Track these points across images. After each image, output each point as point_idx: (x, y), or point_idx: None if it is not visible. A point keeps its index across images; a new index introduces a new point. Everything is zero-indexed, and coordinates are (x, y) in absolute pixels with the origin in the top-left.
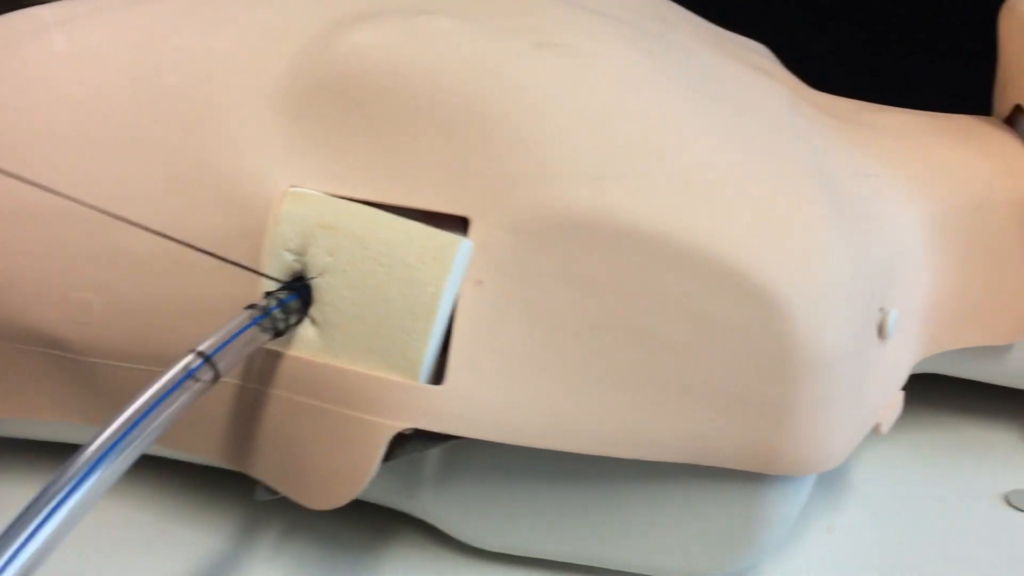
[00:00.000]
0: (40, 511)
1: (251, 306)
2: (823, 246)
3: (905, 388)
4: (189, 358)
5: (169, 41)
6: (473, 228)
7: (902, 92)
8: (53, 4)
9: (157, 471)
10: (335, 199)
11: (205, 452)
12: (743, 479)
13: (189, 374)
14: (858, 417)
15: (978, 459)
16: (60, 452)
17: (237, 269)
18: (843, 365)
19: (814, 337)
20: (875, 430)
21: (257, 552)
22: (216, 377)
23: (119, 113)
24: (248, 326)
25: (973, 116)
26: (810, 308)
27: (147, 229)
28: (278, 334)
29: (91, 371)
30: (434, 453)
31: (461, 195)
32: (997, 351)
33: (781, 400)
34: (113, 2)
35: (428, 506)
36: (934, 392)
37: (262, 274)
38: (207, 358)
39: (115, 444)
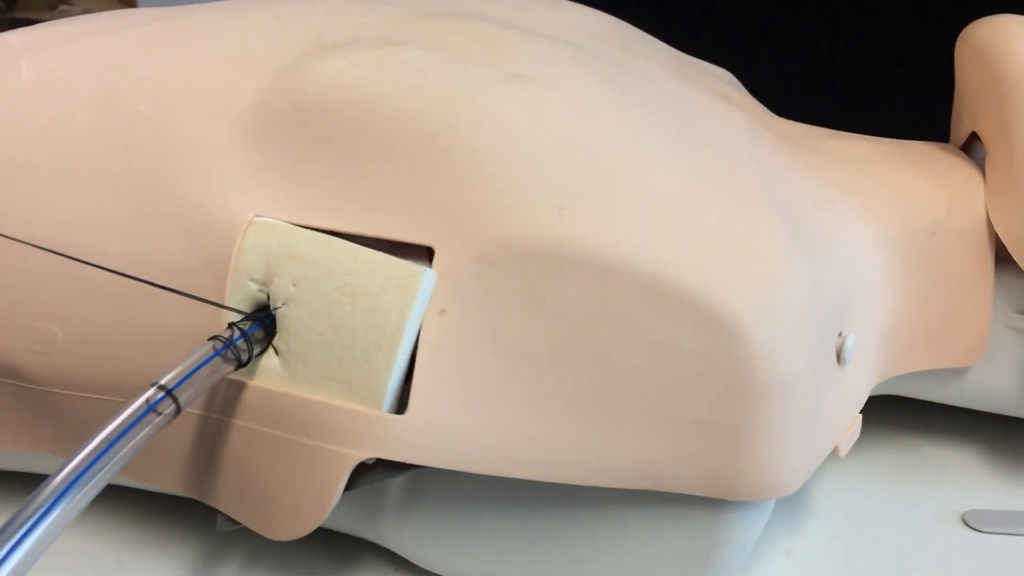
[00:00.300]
0: (5, 543)
1: (214, 337)
2: (780, 273)
3: (864, 410)
4: (151, 391)
5: (136, 70)
6: (437, 257)
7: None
8: (20, 31)
9: (116, 501)
10: (300, 229)
11: (166, 482)
12: (703, 504)
13: (151, 408)
14: (816, 441)
15: (936, 479)
16: (18, 482)
17: (200, 305)
18: (800, 389)
19: (771, 362)
20: (833, 453)
21: None
22: (178, 410)
23: (85, 141)
24: (211, 358)
25: (931, 143)
26: (767, 333)
27: (106, 269)
28: (241, 365)
29: (52, 401)
30: (396, 481)
31: (426, 225)
32: (954, 373)
33: (739, 425)
34: (79, 30)
35: (390, 534)
36: (892, 413)
37: (225, 307)
38: (168, 391)
39: (79, 477)
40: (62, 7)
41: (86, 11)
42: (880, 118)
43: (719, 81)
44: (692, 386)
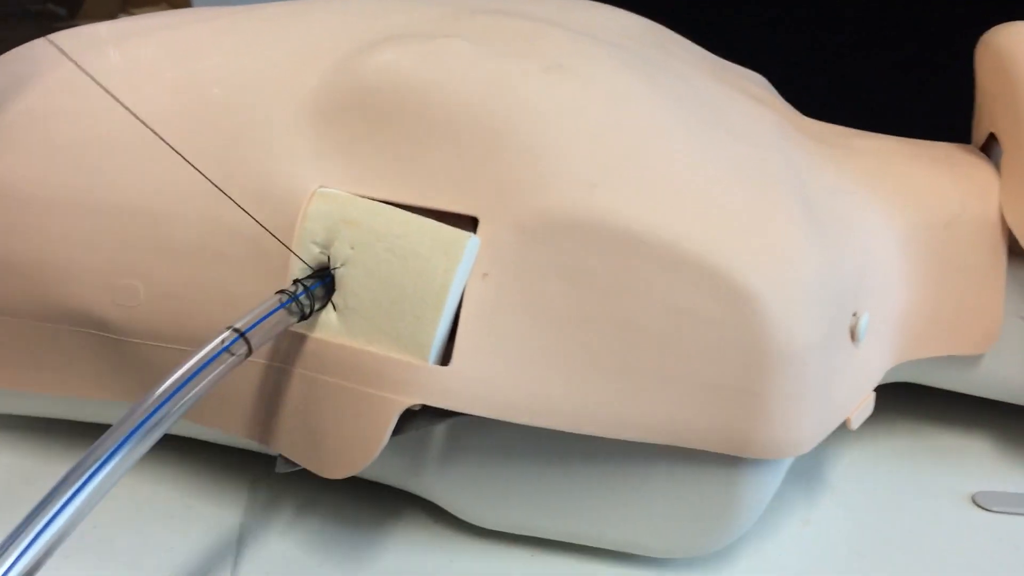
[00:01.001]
0: (86, 468)
1: (281, 291)
2: (795, 250)
3: (885, 398)
4: (226, 333)
5: (212, 58)
6: (481, 227)
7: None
8: (107, 23)
9: (181, 451)
10: (357, 198)
11: (233, 426)
12: (719, 461)
13: (225, 348)
14: (827, 409)
15: (951, 464)
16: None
17: (268, 260)
18: (812, 359)
19: (785, 331)
20: (845, 425)
21: (273, 527)
22: (249, 352)
23: (166, 120)
24: (278, 308)
25: (952, 143)
26: (781, 304)
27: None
28: (303, 317)
29: (133, 351)
30: (438, 433)
31: (471, 197)
32: (968, 361)
33: (754, 388)
34: (158, 24)
35: (431, 486)
36: (911, 400)
37: (294, 253)
38: (242, 334)
39: (162, 404)
40: (122, 16)
41: None
42: (907, 121)
43: (751, 84)
44: (711, 351)
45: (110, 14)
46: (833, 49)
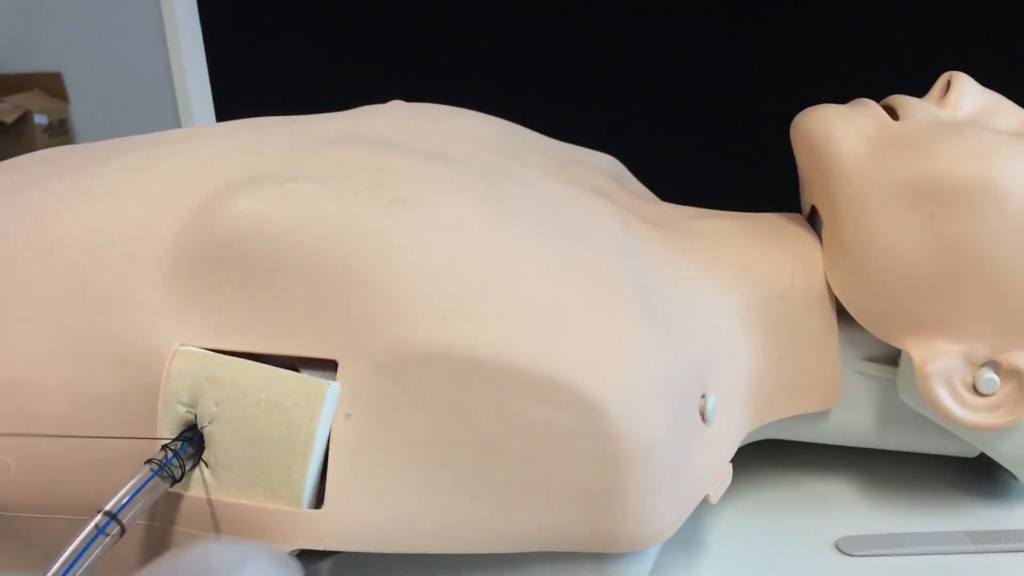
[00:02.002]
0: None
1: (150, 460)
2: (637, 352)
3: (751, 452)
4: (98, 518)
5: (65, 218)
6: (340, 369)
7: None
8: None
9: None
10: (218, 355)
11: None
12: (592, 557)
13: (99, 532)
14: (686, 492)
15: (816, 510)
16: None
17: (136, 423)
18: (663, 452)
19: (633, 432)
20: (706, 500)
21: None
22: (123, 531)
23: (22, 287)
24: (148, 479)
25: (783, 214)
26: (627, 407)
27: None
28: (176, 481)
29: (8, 523)
30: (324, 567)
31: (328, 340)
32: (819, 416)
33: (611, 489)
34: (10, 183)
35: None
36: (776, 452)
37: (155, 438)
38: (113, 516)
39: None
40: None
41: (15, 106)
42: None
43: (598, 173)
44: (568, 457)
45: None
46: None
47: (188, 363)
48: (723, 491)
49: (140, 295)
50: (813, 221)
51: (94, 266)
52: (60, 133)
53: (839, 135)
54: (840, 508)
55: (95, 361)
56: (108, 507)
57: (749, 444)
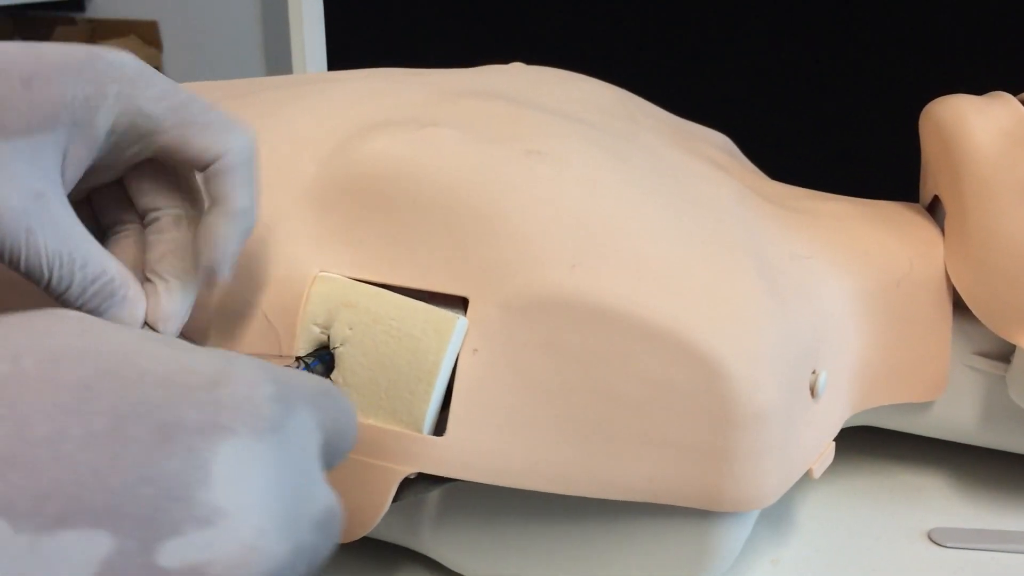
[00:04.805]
0: None
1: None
2: (756, 318)
3: (847, 440)
4: None
5: None
6: (471, 306)
7: (849, 178)
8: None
9: None
10: (356, 283)
11: None
12: (694, 515)
13: None
14: (790, 462)
15: (909, 502)
16: None
17: (276, 339)
18: (775, 417)
19: (750, 395)
20: (808, 475)
21: None
22: None
23: None
24: None
25: (901, 203)
26: (746, 371)
27: None
28: None
29: None
30: (435, 495)
31: (461, 279)
32: (922, 407)
33: (722, 449)
34: None
35: (429, 541)
36: (873, 443)
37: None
38: None
39: None
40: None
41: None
42: (864, 178)
43: (713, 147)
44: (682, 414)
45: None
46: (796, 112)
47: (327, 287)
48: (825, 467)
49: (285, 221)
50: (933, 212)
51: None
52: None
53: (973, 126)
54: (933, 501)
55: (246, 280)
56: None
57: (844, 430)
